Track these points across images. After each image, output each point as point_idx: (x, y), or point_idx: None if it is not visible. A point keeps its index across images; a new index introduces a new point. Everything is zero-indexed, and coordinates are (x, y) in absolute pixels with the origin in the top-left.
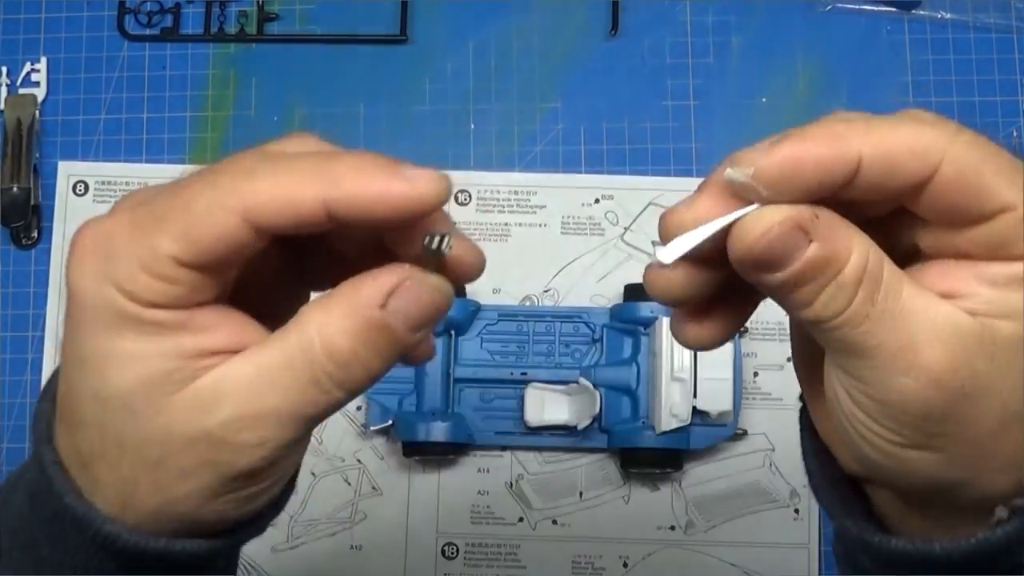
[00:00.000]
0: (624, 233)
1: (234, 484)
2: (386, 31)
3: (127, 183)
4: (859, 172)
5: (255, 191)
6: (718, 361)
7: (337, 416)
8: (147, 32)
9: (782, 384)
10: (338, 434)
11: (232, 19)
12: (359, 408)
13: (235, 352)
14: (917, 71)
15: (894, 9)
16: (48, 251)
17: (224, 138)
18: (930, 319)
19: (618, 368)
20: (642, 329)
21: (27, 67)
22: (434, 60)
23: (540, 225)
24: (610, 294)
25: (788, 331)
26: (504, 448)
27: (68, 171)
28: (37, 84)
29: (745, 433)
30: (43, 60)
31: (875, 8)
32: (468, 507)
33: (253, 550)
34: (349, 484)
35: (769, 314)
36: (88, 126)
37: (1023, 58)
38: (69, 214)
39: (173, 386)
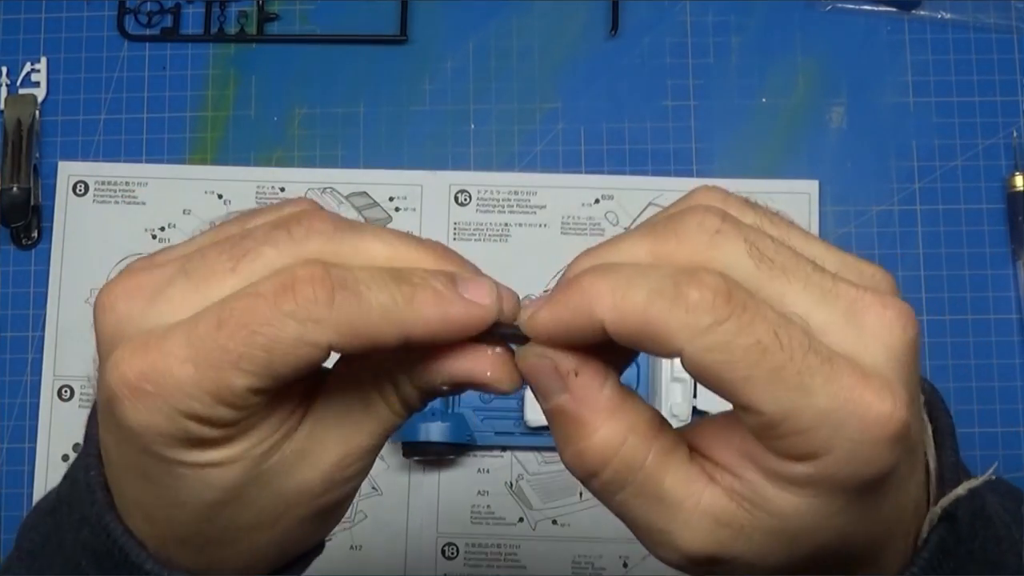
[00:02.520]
0: None
1: (336, 511)
2: (386, 31)
3: (127, 183)
4: (609, 334)
5: (341, 326)
6: None
7: None
8: (147, 32)
9: None
10: None
11: (232, 19)
12: None
13: (301, 404)
14: (917, 71)
15: (894, 9)
16: (48, 251)
17: (224, 138)
18: (689, 509)
19: None
20: None
21: (27, 67)
22: (434, 60)
23: (540, 225)
24: None
25: None
26: (504, 448)
27: (68, 171)
28: (37, 84)
29: None
30: (43, 60)
31: (875, 8)
32: (468, 507)
33: None
34: None
35: None
36: (88, 126)
37: (1023, 58)
38: (69, 214)
39: (272, 458)
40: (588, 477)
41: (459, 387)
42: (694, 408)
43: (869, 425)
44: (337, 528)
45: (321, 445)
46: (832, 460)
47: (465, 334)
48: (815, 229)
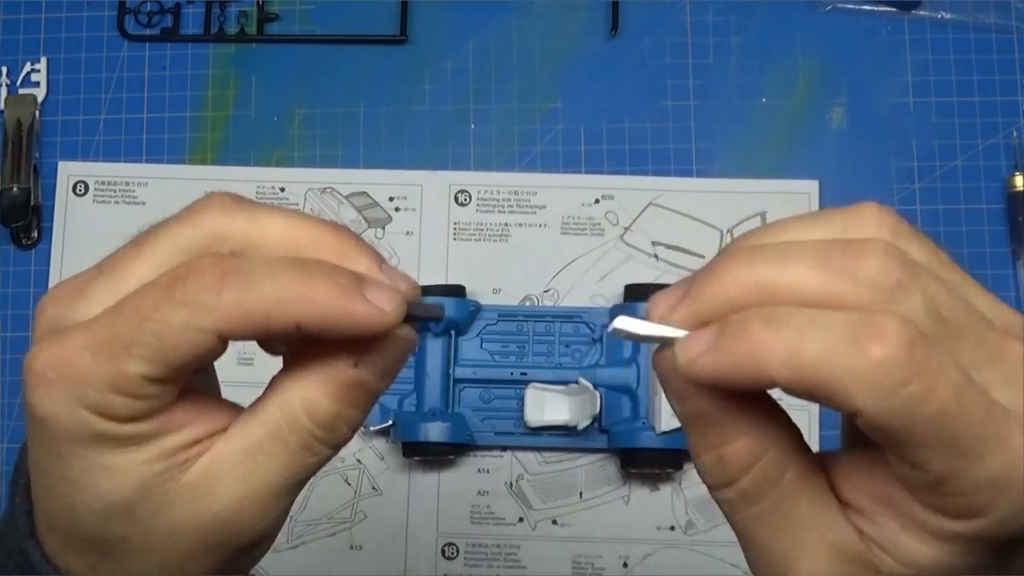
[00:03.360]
0: (624, 233)
1: (242, 554)
2: (386, 31)
3: (127, 183)
4: (780, 387)
5: (229, 311)
6: None
7: None
8: (147, 32)
9: None
10: None
11: (232, 19)
12: None
13: (211, 434)
14: (917, 71)
15: (894, 9)
16: (48, 251)
17: (224, 138)
18: (817, 539)
19: (618, 368)
20: None
21: (27, 67)
22: (434, 60)
23: (540, 225)
24: (610, 294)
25: None
26: (504, 448)
27: (68, 171)
28: (37, 84)
29: None
30: (43, 60)
31: (875, 8)
32: (468, 507)
33: None
34: (349, 484)
35: None
36: (88, 126)
37: (1023, 58)
38: (69, 214)
39: (166, 484)
40: (724, 485)
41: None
42: None
43: None
44: (337, 528)
45: (217, 483)
46: (990, 521)
47: (364, 333)
48: None
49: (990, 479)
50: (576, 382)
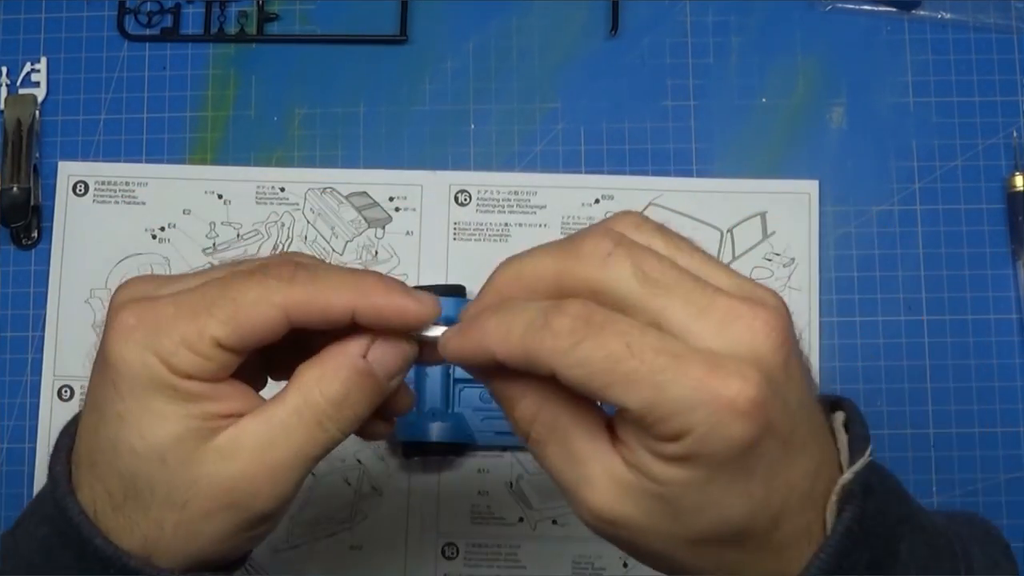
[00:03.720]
0: None
1: (251, 524)
2: (386, 31)
3: (127, 183)
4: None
5: (299, 293)
6: None
7: None
8: (147, 32)
9: None
10: None
11: (232, 19)
12: None
13: (242, 414)
14: (917, 71)
15: (894, 9)
16: (48, 251)
17: (224, 138)
18: (594, 468)
19: None
20: None
21: (27, 67)
22: (434, 60)
23: (540, 225)
24: None
25: None
26: (504, 448)
27: (68, 171)
28: (37, 84)
29: None
30: (43, 60)
31: (875, 8)
32: (468, 507)
33: (254, 551)
34: (349, 484)
35: None
36: (88, 126)
37: (1023, 58)
38: (69, 214)
39: (199, 441)
40: (526, 437)
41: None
42: None
43: (720, 406)
44: (337, 528)
45: (240, 450)
46: (694, 439)
47: (405, 321)
48: (815, 229)
49: (676, 402)
50: None
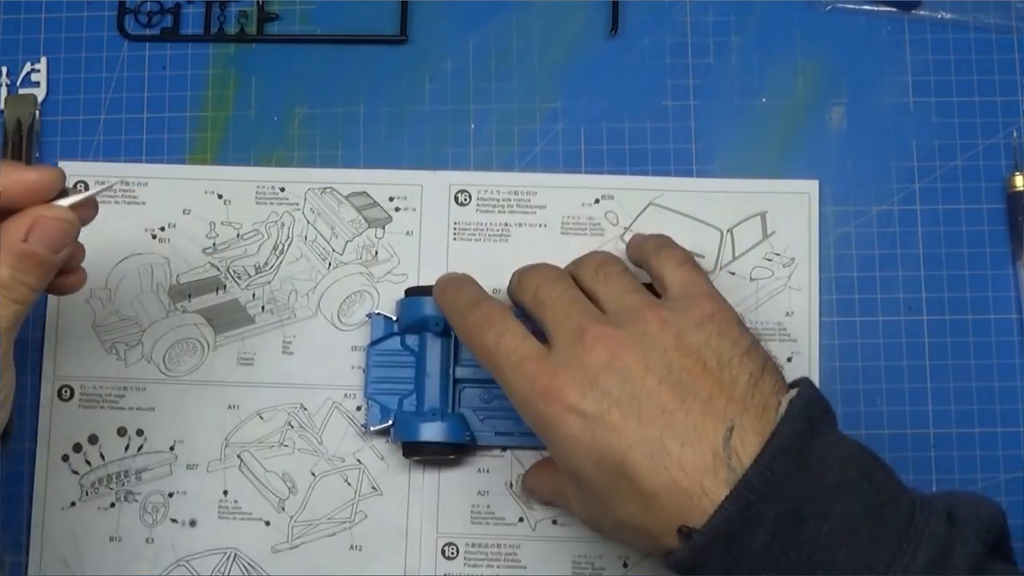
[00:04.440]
0: (624, 233)
1: None
2: (386, 31)
3: (126, 183)
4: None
5: None
6: None
7: (337, 416)
8: (147, 32)
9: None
10: (338, 435)
11: (232, 19)
12: (359, 409)
13: None
14: (917, 71)
15: (894, 9)
16: None
17: (224, 138)
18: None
19: None
20: None
21: (27, 67)
22: (434, 60)
23: (540, 225)
24: None
25: (788, 331)
26: (504, 448)
27: (68, 171)
28: (37, 84)
29: None
30: (43, 60)
31: (875, 8)
32: (468, 507)
33: (253, 551)
34: (349, 484)
35: (769, 314)
36: (88, 126)
37: (1023, 58)
38: None
39: None
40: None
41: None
42: None
43: (532, 394)
44: (337, 528)
45: None
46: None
47: (36, 194)
48: (815, 229)
49: (512, 397)
50: None
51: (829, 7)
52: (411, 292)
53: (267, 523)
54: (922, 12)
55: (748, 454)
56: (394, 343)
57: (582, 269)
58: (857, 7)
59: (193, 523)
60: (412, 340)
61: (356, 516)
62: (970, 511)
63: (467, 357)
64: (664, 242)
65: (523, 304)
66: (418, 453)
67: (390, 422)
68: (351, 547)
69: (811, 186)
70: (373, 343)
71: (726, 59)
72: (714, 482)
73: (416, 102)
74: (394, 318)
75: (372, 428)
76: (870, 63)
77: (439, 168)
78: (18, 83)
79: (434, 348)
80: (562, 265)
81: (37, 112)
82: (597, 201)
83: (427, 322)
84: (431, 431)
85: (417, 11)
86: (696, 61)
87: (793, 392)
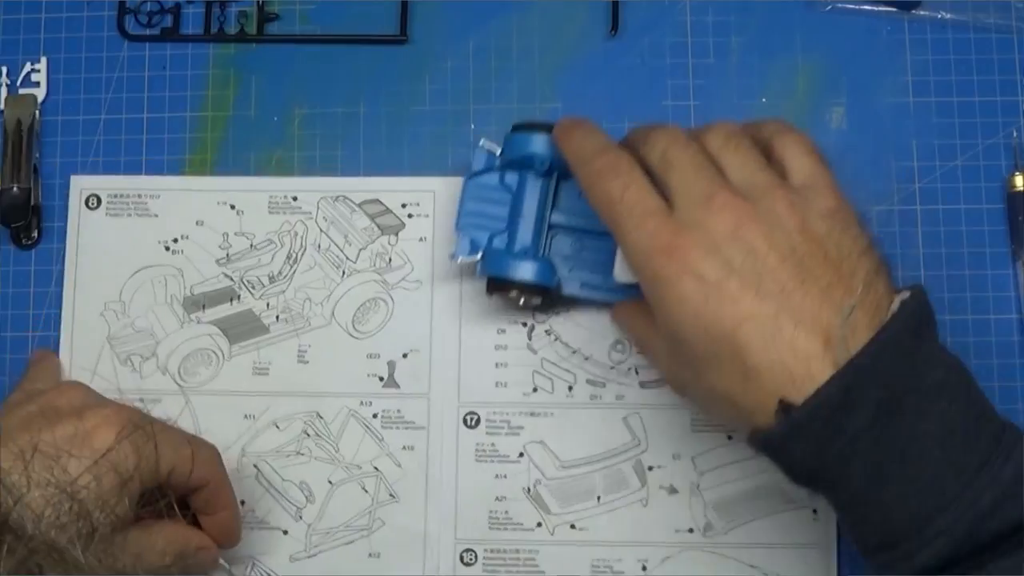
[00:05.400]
0: None
1: None
2: (386, 31)
3: (139, 195)
4: None
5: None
6: None
7: (353, 424)
8: (147, 32)
9: None
10: (355, 442)
11: (232, 19)
12: (375, 416)
13: None
14: (917, 71)
15: (894, 9)
16: (49, 251)
17: (224, 138)
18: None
19: None
20: None
21: (27, 67)
22: (434, 60)
23: None
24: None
25: None
26: (585, 302)
27: (80, 185)
28: (37, 84)
29: None
30: (43, 60)
31: (875, 8)
32: (486, 513)
33: (271, 560)
34: (367, 492)
35: None
36: (88, 126)
37: (1023, 58)
38: (82, 227)
39: None
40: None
41: None
42: None
43: (651, 249)
44: (355, 536)
45: None
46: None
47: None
48: None
49: (628, 248)
50: None
51: (829, 7)
52: (519, 128)
53: (285, 532)
54: (922, 12)
55: (858, 342)
56: (493, 178)
57: (711, 137)
58: (857, 7)
59: None
60: (511, 178)
61: (374, 523)
62: None
63: (564, 204)
64: (788, 126)
65: (648, 162)
66: (504, 290)
67: (479, 256)
68: (369, 554)
69: None
70: (472, 175)
71: (726, 59)
72: (821, 366)
73: (416, 102)
74: (498, 152)
75: (459, 259)
76: (870, 63)
77: (443, 168)
78: (18, 83)
79: (533, 188)
80: None
81: (37, 112)
82: None
83: (532, 160)
84: (521, 269)
85: (417, 11)
86: (696, 61)
87: (906, 294)
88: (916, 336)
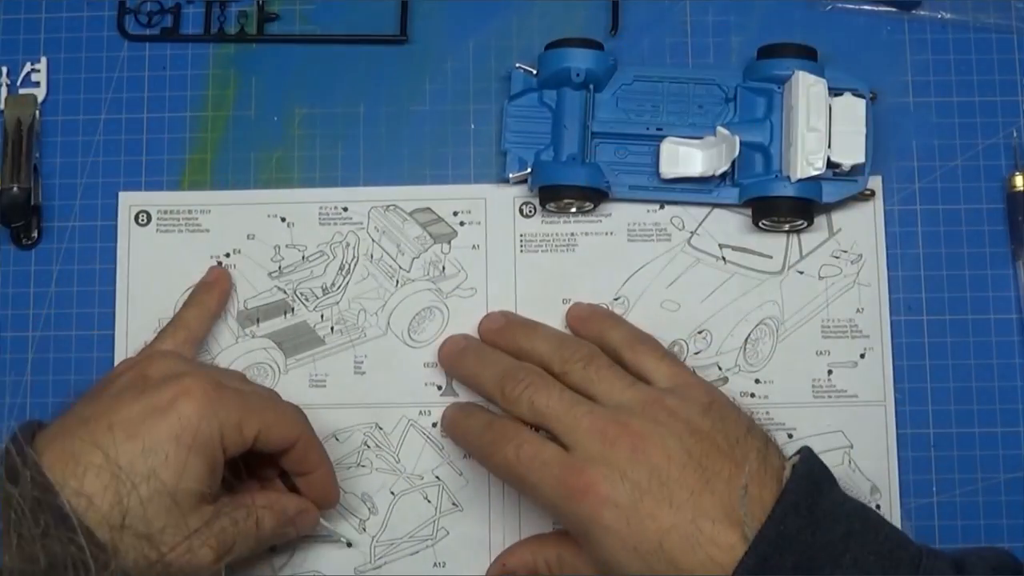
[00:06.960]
0: (691, 238)
1: None
2: (386, 31)
3: (189, 211)
4: None
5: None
6: (853, 115)
7: (413, 434)
8: (147, 32)
9: (857, 381)
10: (415, 452)
11: (232, 19)
12: (434, 425)
13: None
14: (917, 71)
15: (894, 9)
16: (49, 251)
17: (224, 138)
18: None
19: (752, 125)
20: (776, 87)
21: (27, 67)
22: (434, 60)
23: (606, 233)
24: (679, 299)
25: (859, 327)
26: (634, 201)
27: (129, 201)
28: (37, 84)
29: (872, 194)
30: (43, 60)
31: (875, 8)
32: (550, 520)
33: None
34: (429, 502)
35: (840, 311)
36: (88, 126)
37: (1023, 58)
38: (132, 244)
39: None
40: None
41: None
42: (828, 159)
43: (568, 490)
44: (419, 546)
45: None
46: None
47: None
48: (880, 224)
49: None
50: (713, 134)
51: (829, 7)
52: (552, 45)
53: (349, 545)
54: (922, 12)
55: (764, 515)
56: (532, 99)
57: (569, 369)
58: (857, 7)
59: (273, 548)
60: (550, 96)
61: (438, 533)
62: (974, 556)
63: (602, 114)
64: (633, 333)
65: (521, 417)
66: (556, 198)
67: (528, 171)
68: (435, 564)
69: (875, 181)
70: (511, 97)
71: (726, 59)
72: (743, 547)
73: (416, 102)
74: (534, 72)
75: (511, 176)
76: (870, 63)
77: (442, 167)
78: (18, 83)
79: (572, 100)
80: (623, 276)
81: (37, 112)
82: (662, 207)
83: (568, 72)
84: (571, 175)
85: (417, 11)
86: (696, 61)
87: (796, 458)
88: (812, 495)
